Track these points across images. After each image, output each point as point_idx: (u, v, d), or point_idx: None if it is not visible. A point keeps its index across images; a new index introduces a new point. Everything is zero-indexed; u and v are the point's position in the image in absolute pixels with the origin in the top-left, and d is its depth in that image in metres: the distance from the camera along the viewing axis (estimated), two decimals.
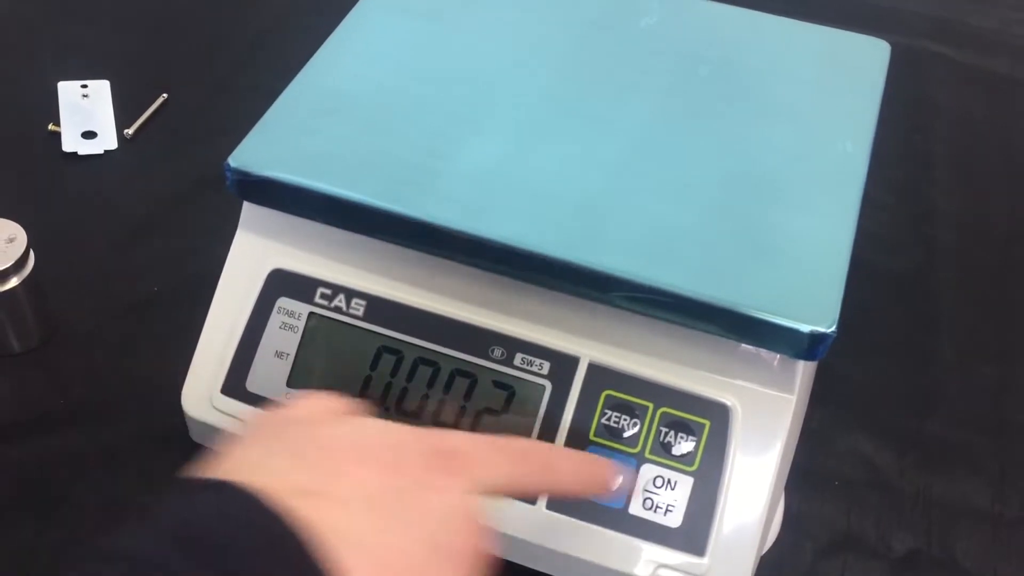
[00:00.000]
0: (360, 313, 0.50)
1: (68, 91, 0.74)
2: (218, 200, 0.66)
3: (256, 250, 0.52)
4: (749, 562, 0.46)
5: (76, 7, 0.83)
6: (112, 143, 0.71)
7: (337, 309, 0.50)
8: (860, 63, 0.58)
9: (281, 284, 0.51)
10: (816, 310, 0.44)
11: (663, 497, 0.47)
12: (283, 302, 0.51)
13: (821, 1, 0.85)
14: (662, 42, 0.57)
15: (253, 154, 0.49)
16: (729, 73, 0.56)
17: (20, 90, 0.76)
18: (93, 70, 0.76)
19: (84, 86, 0.75)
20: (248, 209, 0.52)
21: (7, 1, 0.83)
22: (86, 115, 0.73)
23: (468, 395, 0.49)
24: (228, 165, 0.49)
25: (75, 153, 0.71)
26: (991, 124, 0.79)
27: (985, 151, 0.77)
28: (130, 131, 0.72)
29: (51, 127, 0.72)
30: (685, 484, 0.47)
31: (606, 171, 0.50)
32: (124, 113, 0.73)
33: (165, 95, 0.74)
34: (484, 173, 0.49)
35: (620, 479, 0.44)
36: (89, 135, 0.72)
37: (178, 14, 0.83)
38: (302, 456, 0.35)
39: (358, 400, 0.41)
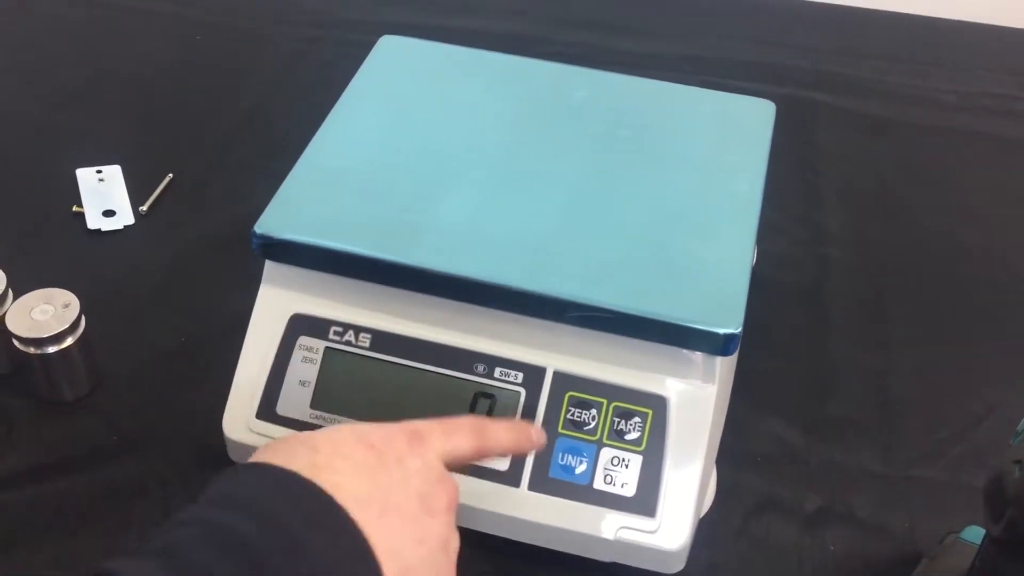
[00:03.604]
0: (367, 345, 0.59)
1: (86, 177, 0.81)
2: (225, 262, 0.76)
3: (278, 299, 0.60)
4: (689, 519, 0.56)
5: (84, 103, 0.90)
6: (130, 219, 0.78)
7: (348, 343, 0.59)
8: (752, 120, 0.69)
9: (301, 325, 0.60)
10: (726, 316, 0.55)
11: (619, 473, 0.56)
12: (303, 340, 0.60)
13: (726, 65, 0.97)
14: (592, 111, 0.68)
15: (273, 222, 0.59)
16: (646, 134, 0.66)
17: (44, 179, 0.82)
18: (105, 157, 0.83)
19: (99, 171, 0.81)
20: (270, 266, 0.60)
21: (26, 102, 0.90)
22: (104, 197, 0.79)
23: (459, 405, 0.58)
24: (255, 232, 0.58)
25: (99, 230, 0.77)
26: (867, 158, 0.90)
27: (863, 181, 0.88)
28: (144, 208, 0.79)
29: (75, 208, 0.78)
30: (636, 462, 0.56)
31: (556, 217, 0.60)
32: (137, 192, 0.80)
33: (171, 175, 0.82)
34: (460, 226, 0.59)
35: (541, 435, 0.54)
36: (109, 213, 0.78)
37: (173, 103, 0.90)
38: (310, 448, 0.44)
39: None
